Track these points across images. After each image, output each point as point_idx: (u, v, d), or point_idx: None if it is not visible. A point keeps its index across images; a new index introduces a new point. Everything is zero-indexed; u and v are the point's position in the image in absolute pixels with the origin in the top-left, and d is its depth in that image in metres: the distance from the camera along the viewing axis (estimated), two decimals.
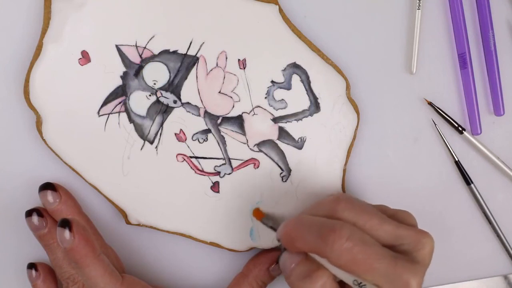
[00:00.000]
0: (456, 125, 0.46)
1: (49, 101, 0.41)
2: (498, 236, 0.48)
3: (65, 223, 0.37)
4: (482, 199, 0.47)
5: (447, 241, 0.48)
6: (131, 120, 0.42)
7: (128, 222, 0.43)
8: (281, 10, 0.42)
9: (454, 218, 0.48)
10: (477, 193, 0.47)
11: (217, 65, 0.42)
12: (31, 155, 0.43)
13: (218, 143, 0.43)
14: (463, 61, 0.45)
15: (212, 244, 0.44)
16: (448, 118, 0.46)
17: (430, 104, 0.46)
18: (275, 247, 0.45)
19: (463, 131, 0.46)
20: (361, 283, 0.35)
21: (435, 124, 0.46)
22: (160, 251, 0.45)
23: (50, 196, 0.42)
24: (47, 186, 0.42)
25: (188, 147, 0.43)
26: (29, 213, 0.42)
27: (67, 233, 0.37)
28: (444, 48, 0.46)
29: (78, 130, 0.41)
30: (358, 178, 0.46)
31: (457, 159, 0.46)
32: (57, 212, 0.42)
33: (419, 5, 0.44)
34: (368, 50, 0.45)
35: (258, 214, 0.43)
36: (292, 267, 0.36)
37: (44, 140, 0.41)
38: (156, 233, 0.44)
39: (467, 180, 0.47)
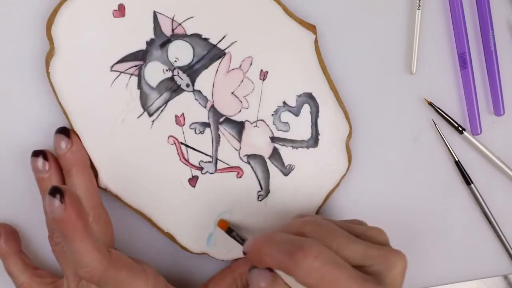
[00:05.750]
0: (456, 125, 0.46)
1: (68, 38, 0.40)
2: (498, 236, 0.48)
3: (56, 191, 0.33)
4: (482, 199, 0.47)
5: (447, 241, 0.47)
6: (139, 86, 0.41)
7: (97, 183, 0.42)
8: (316, 41, 0.43)
9: (454, 218, 0.48)
10: (477, 193, 0.47)
11: (240, 67, 0.42)
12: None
13: (212, 140, 0.43)
14: (463, 61, 0.45)
15: (167, 235, 0.43)
16: (448, 118, 0.46)
17: (430, 104, 0.46)
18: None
19: (463, 131, 0.46)
20: None
21: (435, 124, 0.46)
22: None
23: (63, 142, 0.40)
24: (63, 131, 0.41)
25: (183, 133, 0.42)
26: (35, 154, 0.41)
27: (57, 202, 0.33)
28: (444, 48, 0.46)
29: (85, 75, 0.41)
30: (358, 177, 0.46)
31: (457, 159, 0.46)
32: (64, 159, 0.41)
33: (419, 5, 0.45)
34: (368, 50, 0.45)
35: (223, 224, 0.43)
36: (262, 286, 0.35)
37: (48, 72, 0.40)
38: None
39: (467, 180, 0.47)
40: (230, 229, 0.42)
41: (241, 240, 0.41)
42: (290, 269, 0.34)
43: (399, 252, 0.36)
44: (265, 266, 0.36)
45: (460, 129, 0.46)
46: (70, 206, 0.33)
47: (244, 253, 0.37)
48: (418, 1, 0.45)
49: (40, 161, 0.40)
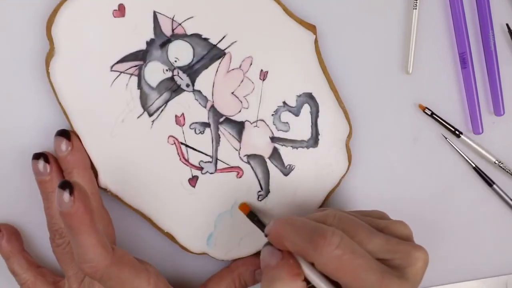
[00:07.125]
0: (453, 129, 0.46)
1: (68, 38, 0.40)
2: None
3: (66, 185, 0.34)
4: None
5: (447, 241, 0.47)
6: (139, 86, 0.41)
7: (97, 184, 0.42)
8: (316, 41, 0.43)
9: (454, 218, 0.48)
10: (499, 192, 0.47)
11: (240, 67, 0.42)
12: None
13: (212, 140, 0.43)
14: (464, 60, 0.45)
15: (167, 235, 0.44)
16: (444, 123, 0.46)
17: (425, 110, 0.45)
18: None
19: (460, 135, 0.46)
20: None
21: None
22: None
23: (63, 144, 0.40)
24: (63, 133, 0.41)
25: (183, 133, 0.42)
26: (36, 156, 0.40)
27: (66, 196, 0.34)
28: (443, 48, 0.46)
29: (85, 76, 0.41)
30: (358, 177, 0.46)
31: (468, 159, 0.46)
32: (65, 162, 0.41)
33: (415, 5, 0.45)
34: (368, 50, 0.45)
35: (245, 207, 0.42)
36: (273, 264, 0.36)
37: (48, 72, 0.40)
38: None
39: (488, 182, 0.47)
40: (252, 213, 0.41)
41: (262, 226, 0.40)
42: (310, 256, 0.34)
43: (422, 248, 0.36)
44: (285, 249, 0.36)
45: (457, 132, 0.46)
46: (79, 200, 0.34)
47: (266, 235, 0.37)
48: (414, 1, 0.45)
49: (41, 163, 0.40)
